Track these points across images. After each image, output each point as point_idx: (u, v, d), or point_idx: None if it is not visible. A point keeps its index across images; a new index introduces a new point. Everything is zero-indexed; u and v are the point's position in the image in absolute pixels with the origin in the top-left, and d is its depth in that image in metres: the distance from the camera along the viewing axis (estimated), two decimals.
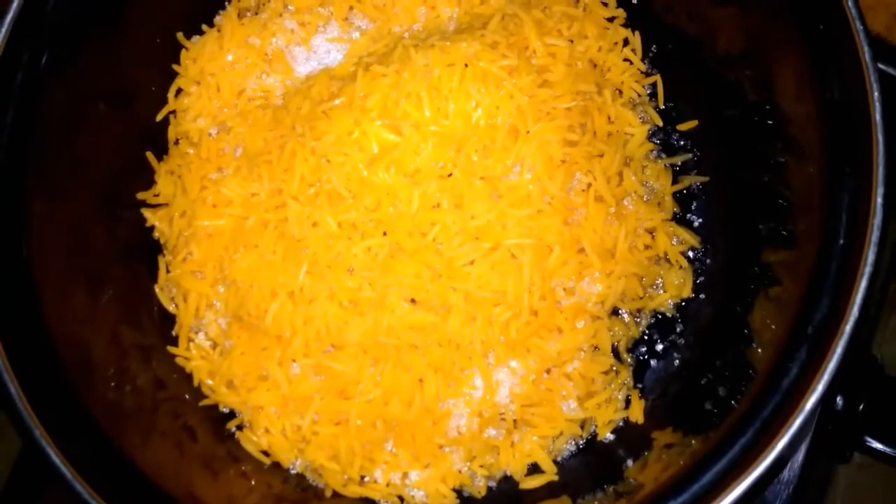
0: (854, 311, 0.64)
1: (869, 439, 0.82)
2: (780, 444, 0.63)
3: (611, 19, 0.94)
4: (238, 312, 0.83)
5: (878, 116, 0.66)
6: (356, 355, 0.81)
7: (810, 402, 0.63)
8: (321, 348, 0.81)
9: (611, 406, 0.85)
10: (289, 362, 0.82)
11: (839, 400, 0.82)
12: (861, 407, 0.82)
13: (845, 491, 1.06)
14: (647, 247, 0.88)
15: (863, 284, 0.64)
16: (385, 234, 0.81)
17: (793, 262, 0.74)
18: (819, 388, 0.63)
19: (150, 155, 0.89)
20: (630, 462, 0.81)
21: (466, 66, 0.81)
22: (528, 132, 0.82)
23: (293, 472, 0.85)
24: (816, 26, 0.71)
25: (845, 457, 0.90)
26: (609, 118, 0.89)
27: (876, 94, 0.66)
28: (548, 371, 0.84)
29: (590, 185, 0.84)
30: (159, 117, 0.91)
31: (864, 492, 1.06)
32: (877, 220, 0.65)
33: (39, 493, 0.90)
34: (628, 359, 0.88)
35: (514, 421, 0.84)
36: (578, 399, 0.84)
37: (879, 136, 0.66)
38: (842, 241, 0.66)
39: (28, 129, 0.74)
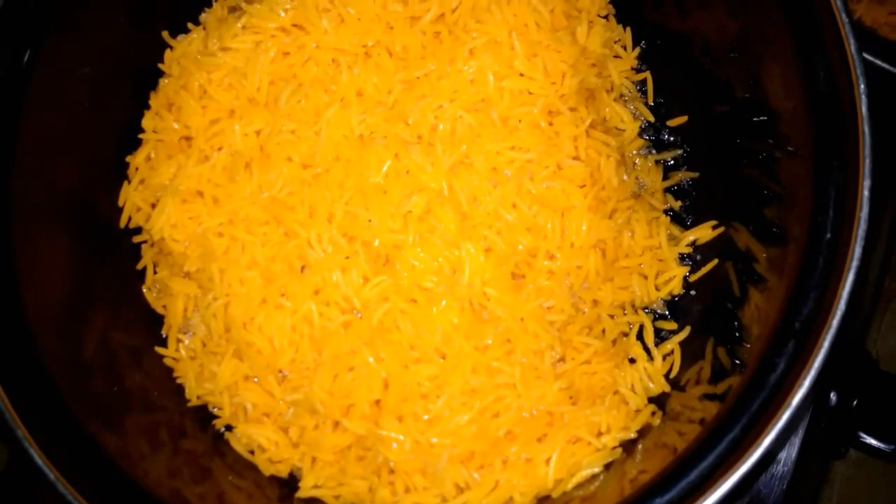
0: (841, 306, 0.63)
1: (863, 435, 0.82)
2: (768, 440, 0.62)
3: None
4: (225, 317, 0.83)
5: (864, 109, 0.66)
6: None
7: (797, 396, 0.62)
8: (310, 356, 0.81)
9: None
10: (277, 366, 0.82)
11: (833, 395, 0.82)
12: (855, 402, 0.82)
13: (841, 486, 1.06)
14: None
15: (850, 278, 0.64)
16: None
17: (781, 257, 0.73)
18: (806, 383, 0.62)
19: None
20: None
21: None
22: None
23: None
24: (802, 19, 0.70)
25: (839, 452, 0.89)
26: (604, 115, 0.89)
27: (862, 86, 0.66)
28: None
29: (584, 185, 0.84)
30: (144, 122, 0.90)
31: (861, 487, 1.06)
32: (864, 213, 0.64)
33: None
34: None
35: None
36: None
37: (866, 129, 0.65)
38: (829, 235, 0.66)
39: (10, 128, 0.73)
